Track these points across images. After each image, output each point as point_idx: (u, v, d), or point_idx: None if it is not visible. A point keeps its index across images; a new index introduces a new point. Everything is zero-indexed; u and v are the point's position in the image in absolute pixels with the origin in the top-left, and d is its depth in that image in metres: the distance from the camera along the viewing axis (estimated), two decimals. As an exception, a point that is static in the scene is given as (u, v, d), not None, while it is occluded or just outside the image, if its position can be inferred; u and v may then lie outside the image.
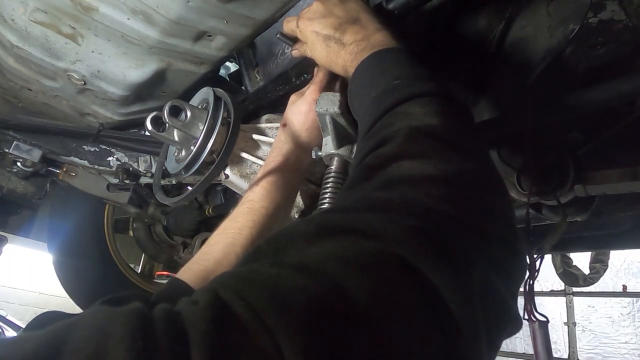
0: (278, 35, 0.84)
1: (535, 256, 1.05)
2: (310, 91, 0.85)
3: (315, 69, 0.89)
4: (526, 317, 0.93)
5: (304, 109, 0.85)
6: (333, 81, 0.84)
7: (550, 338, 1.00)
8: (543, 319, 0.96)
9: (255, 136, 0.97)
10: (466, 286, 0.35)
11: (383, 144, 0.48)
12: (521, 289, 0.51)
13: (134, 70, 1.14)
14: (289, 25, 0.81)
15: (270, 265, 0.34)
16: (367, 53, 0.65)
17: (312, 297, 0.30)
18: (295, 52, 0.84)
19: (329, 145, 0.80)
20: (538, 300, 0.97)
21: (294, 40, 0.84)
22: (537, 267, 1.05)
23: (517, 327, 0.41)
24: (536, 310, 0.93)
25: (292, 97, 0.89)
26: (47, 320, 0.62)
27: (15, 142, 1.35)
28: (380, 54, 0.64)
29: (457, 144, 0.47)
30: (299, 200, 0.98)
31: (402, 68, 0.60)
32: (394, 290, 0.33)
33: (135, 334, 0.27)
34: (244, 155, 0.95)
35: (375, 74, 0.62)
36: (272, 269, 0.33)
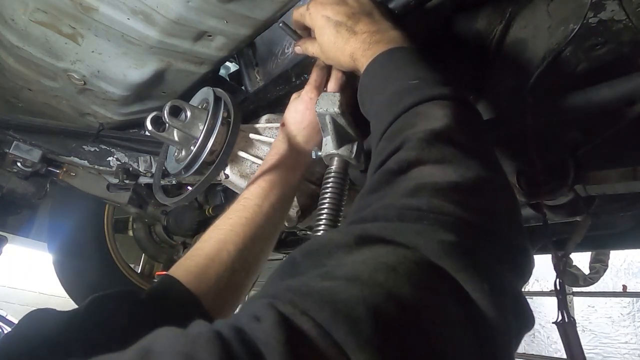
0: (281, 25, 0.83)
1: (560, 254, 1.04)
2: (306, 90, 0.85)
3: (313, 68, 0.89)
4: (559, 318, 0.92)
5: (300, 108, 0.86)
6: (337, 81, 0.84)
7: (551, 338, 1.00)
8: (572, 319, 0.95)
9: (255, 136, 0.97)
10: (500, 298, 0.37)
11: (404, 146, 0.49)
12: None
13: (134, 70, 1.14)
14: (298, 11, 0.80)
15: (321, 278, 0.34)
16: (384, 47, 0.65)
17: (372, 308, 0.31)
18: (297, 49, 0.83)
19: (329, 145, 0.80)
20: (538, 300, 0.97)
21: (296, 33, 0.84)
22: (564, 266, 1.04)
23: (532, 326, 0.43)
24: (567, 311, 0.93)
25: (293, 96, 0.90)
26: (38, 318, 0.62)
27: (15, 142, 1.35)
28: (398, 51, 0.64)
29: (474, 150, 0.48)
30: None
31: (419, 69, 0.61)
32: (440, 299, 0.34)
33: (221, 358, 0.27)
34: (244, 155, 0.95)
35: (392, 70, 0.62)
36: (324, 282, 0.33)
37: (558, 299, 0.91)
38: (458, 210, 0.40)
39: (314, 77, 0.85)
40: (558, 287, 0.93)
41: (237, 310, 0.35)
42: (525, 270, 0.44)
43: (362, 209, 0.45)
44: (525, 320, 0.41)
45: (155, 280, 2.40)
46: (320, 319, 0.29)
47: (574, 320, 0.95)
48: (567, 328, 0.94)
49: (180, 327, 0.70)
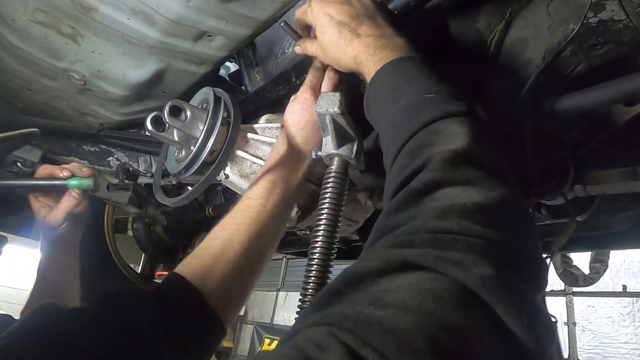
0: (282, 24, 0.83)
1: (544, 256, 1.06)
2: (302, 91, 0.86)
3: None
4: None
5: (297, 109, 0.87)
6: (330, 80, 0.84)
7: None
8: (553, 319, 0.97)
9: (254, 136, 0.97)
10: (537, 328, 0.38)
11: (428, 165, 0.50)
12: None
13: (134, 70, 1.14)
14: (300, 8, 0.80)
15: (373, 306, 0.35)
16: (391, 54, 0.65)
17: (431, 339, 0.32)
18: (297, 49, 0.84)
19: (329, 145, 0.80)
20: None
21: (297, 33, 0.84)
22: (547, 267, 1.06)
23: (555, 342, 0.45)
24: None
25: (291, 98, 0.90)
26: (47, 313, 0.62)
27: (15, 142, 1.34)
28: (407, 61, 0.64)
29: (494, 170, 0.49)
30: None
31: (432, 81, 0.61)
32: (484, 329, 0.36)
33: None
34: (244, 155, 0.95)
35: (404, 80, 0.62)
36: (377, 311, 0.34)
37: None
38: (487, 231, 0.42)
39: (310, 77, 0.86)
40: None
41: (288, 333, 0.36)
42: (543, 282, 0.45)
43: (390, 229, 0.46)
44: (553, 338, 0.42)
45: (160, 280, 2.40)
46: (382, 349, 0.30)
47: (556, 320, 0.97)
48: None
49: (188, 326, 0.70)
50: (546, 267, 0.47)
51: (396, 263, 0.39)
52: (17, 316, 0.72)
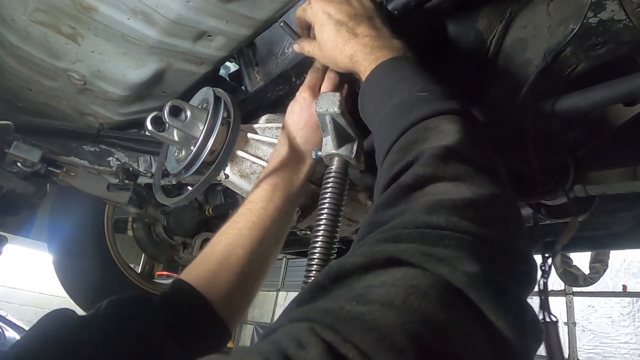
0: (281, 24, 0.84)
1: (546, 255, 1.06)
2: (300, 91, 0.87)
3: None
4: (541, 317, 0.95)
5: (296, 109, 0.87)
6: (330, 81, 0.85)
7: (552, 338, 1.01)
8: (554, 318, 0.98)
9: (254, 136, 0.97)
10: (522, 325, 0.38)
11: (418, 161, 0.50)
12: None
13: (134, 70, 1.14)
14: (301, 7, 0.81)
15: (356, 301, 0.34)
16: (387, 54, 0.65)
17: (414, 337, 0.31)
18: (295, 47, 0.84)
19: (329, 145, 0.80)
20: (538, 299, 0.98)
21: (296, 33, 0.84)
22: (549, 267, 1.06)
23: (543, 339, 0.45)
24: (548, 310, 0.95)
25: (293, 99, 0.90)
26: (57, 319, 0.62)
27: (15, 142, 1.34)
28: (402, 60, 0.65)
29: (484, 167, 0.49)
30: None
31: (426, 80, 0.61)
32: (469, 326, 0.35)
33: None
34: (244, 155, 0.95)
35: (398, 79, 0.63)
36: (359, 307, 0.33)
37: (541, 299, 0.94)
38: (474, 228, 0.41)
39: (309, 78, 0.87)
40: (541, 287, 0.95)
41: (269, 328, 0.35)
42: (532, 281, 0.45)
43: (379, 224, 0.45)
44: (540, 337, 0.42)
45: (160, 281, 2.41)
46: (363, 347, 0.30)
47: (557, 320, 0.98)
48: (549, 328, 0.96)
49: (194, 332, 0.70)
50: (535, 266, 0.47)
51: (382, 259, 0.39)
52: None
